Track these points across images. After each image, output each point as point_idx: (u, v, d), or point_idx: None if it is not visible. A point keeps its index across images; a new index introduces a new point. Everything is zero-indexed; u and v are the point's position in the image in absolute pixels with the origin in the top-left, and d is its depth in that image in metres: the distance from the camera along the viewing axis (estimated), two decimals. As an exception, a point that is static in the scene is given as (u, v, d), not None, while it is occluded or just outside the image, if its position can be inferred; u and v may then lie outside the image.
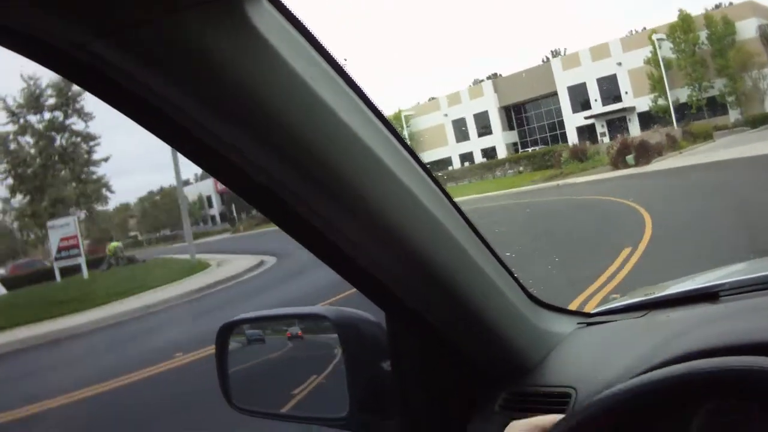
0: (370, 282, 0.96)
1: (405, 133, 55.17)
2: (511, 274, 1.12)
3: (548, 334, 1.18)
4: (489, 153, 50.67)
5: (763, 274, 1.23)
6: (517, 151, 49.77)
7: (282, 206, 0.83)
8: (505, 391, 1.11)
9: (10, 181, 39.98)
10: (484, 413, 1.10)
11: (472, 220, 1.01)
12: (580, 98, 47.46)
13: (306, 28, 0.74)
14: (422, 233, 0.90)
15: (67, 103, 39.08)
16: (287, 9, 0.72)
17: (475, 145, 52.57)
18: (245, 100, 0.69)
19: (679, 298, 1.27)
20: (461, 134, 53.53)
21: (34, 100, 39.74)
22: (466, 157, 52.32)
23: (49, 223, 30.84)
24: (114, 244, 38.19)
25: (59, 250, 27.79)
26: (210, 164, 0.79)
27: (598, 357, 1.12)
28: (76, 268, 27.16)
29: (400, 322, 1.09)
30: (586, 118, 46.85)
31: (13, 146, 39.94)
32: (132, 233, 77.26)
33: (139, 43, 0.62)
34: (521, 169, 40.91)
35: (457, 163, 51.64)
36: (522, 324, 1.12)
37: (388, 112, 56.47)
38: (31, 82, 38.69)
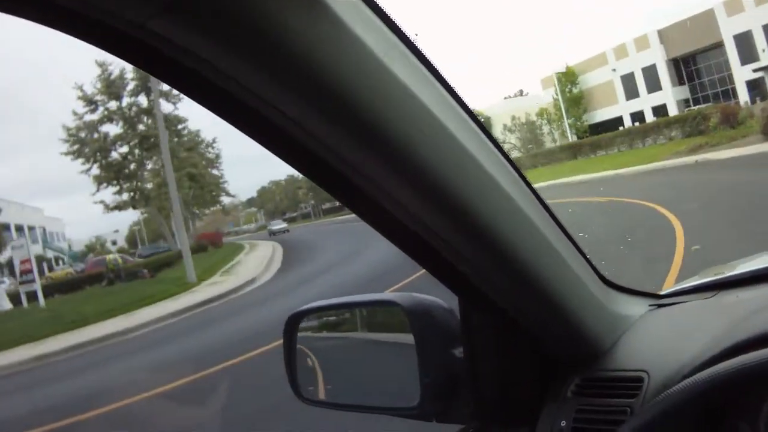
0: (446, 267, 0.95)
1: (575, 91, 51.64)
2: (584, 256, 1.10)
3: (621, 317, 1.18)
4: (660, 111, 45.79)
5: None
6: (689, 108, 44.39)
7: (360, 192, 0.82)
8: (578, 377, 1.11)
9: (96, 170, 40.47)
10: (556, 399, 1.10)
11: (546, 201, 1.00)
12: (746, 48, 41.22)
13: (376, 2, 0.72)
14: (499, 217, 0.88)
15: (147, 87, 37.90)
16: None
17: (646, 102, 47.97)
18: (315, 78, 0.65)
19: (749, 277, 1.24)
20: (630, 91, 48.87)
21: (112, 86, 39.46)
22: (637, 116, 48.01)
23: (12, 243, 29.26)
24: (111, 256, 35.94)
25: (21, 273, 25.60)
26: (290, 156, 0.78)
27: (669, 339, 1.12)
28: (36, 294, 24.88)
29: (473, 308, 1.08)
30: (754, 71, 40.82)
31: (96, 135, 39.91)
32: (302, 204, 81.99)
33: (201, 18, 0.59)
34: (673, 134, 35.72)
35: (628, 123, 47.27)
36: (596, 308, 1.11)
37: (552, 69, 53.19)
38: (109, 67, 38.89)
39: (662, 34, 46.96)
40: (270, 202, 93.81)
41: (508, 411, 1.11)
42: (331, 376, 1.31)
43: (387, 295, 1.19)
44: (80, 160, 39.83)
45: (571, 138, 50.35)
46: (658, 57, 46.67)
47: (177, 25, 0.59)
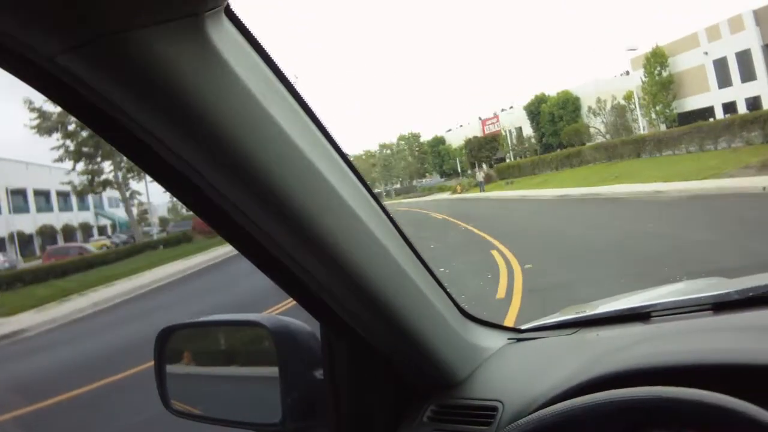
0: (306, 293, 1.00)
1: (664, 74, 45.44)
2: (444, 289, 1.15)
3: (478, 348, 1.23)
4: (754, 104, 37.95)
5: (695, 296, 1.29)
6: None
7: (228, 219, 0.86)
8: (434, 403, 1.16)
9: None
10: (412, 423, 1.15)
11: (406, 235, 1.05)
12: None
13: (262, 47, 0.79)
14: (358, 248, 0.93)
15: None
16: (244, 26, 0.76)
17: (738, 92, 40.45)
18: (200, 117, 0.71)
19: (610, 317, 1.32)
20: (723, 78, 41.72)
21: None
22: (729, 107, 40.40)
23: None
24: (99, 243, 35.97)
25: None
26: (167, 179, 0.82)
27: (526, 372, 1.16)
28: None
29: (333, 333, 1.12)
30: None
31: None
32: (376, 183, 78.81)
33: (101, 58, 0.64)
34: (753, 136, 27.19)
35: (719, 114, 40.24)
36: (452, 339, 1.16)
37: (639, 50, 47.21)
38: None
39: (758, 15, 38.68)
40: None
41: None
42: (201, 389, 1.35)
43: (254, 316, 1.21)
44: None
45: (660, 127, 44.39)
46: (753, 41, 38.81)
47: (79, 63, 0.64)
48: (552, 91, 61.32)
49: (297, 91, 0.84)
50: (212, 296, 14.33)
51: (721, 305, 1.24)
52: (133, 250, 34.56)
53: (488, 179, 46.83)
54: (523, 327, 1.41)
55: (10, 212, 42.82)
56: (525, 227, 17.42)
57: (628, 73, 52.26)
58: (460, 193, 47.34)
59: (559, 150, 48.18)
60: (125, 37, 0.62)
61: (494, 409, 1.07)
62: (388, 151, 77.76)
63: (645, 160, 32.33)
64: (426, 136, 78.86)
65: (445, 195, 50.24)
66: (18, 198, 45.58)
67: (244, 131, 0.75)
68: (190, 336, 1.40)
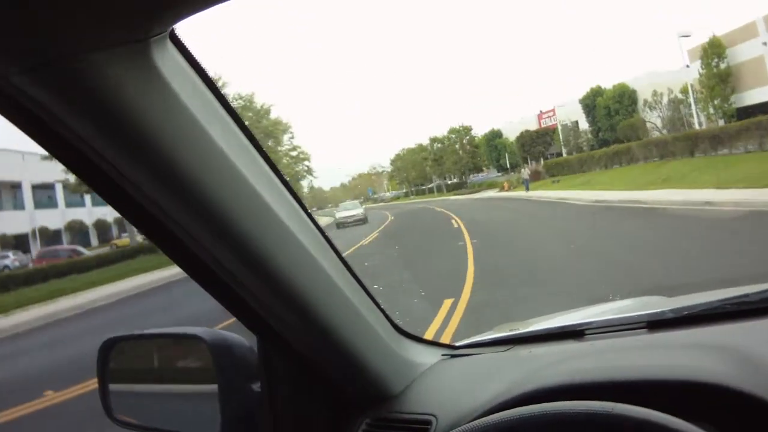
0: (243, 307, 1.03)
1: (721, 66, 43.45)
2: (378, 305, 1.20)
3: (412, 363, 1.27)
4: None
5: (627, 315, 1.33)
6: None
7: (170, 236, 0.90)
8: (369, 417, 1.19)
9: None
10: None
11: (341, 253, 1.10)
12: None
13: (204, 71, 0.83)
14: (292, 266, 0.97)
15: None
16: (188, 51, 0.80)
17: (799, 85, 38.38)
18: (144, 138, 0.75)
19: (544, 334, 1.37)
20: (784, 70, 39.68)
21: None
22: (794, 102, 38.34)
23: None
24: (123, 241, 33.26)
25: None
26: (112, 196, 0.86)
27: (459, 387, 1.19)
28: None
29: (269, 347, 1.15)
30: None
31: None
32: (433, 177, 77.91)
33: (50, 80, 0.68)
34: None
35: (779, 109, 38.20)
36: (386, 353, 1.20)
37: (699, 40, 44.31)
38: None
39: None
40: (401, 171, 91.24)
41: None
42: (143, 401, 1.38)
43: (193, 329, 1.22)
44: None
45: (718, 123, 42.50)
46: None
47: (31, 84, 0.68)
48: (608, 83, 59.33)
49: (236, 113, 0.88)
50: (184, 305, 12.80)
51: (656, 323, 1.27)
52: (136, 251, 31.69)
53: (536, 176, 45.78)
54: (458, 344, 1.44)
55: (33, 207, 41.98)
56: (533, 248, 13.47)
57: (688, 66, 50.25)
58: (507, 190, 46.56)
59: (615, 145, 46.50)
60: (73, 60, 0.65)
61: (428, 422, 1.10)
62: (439, 145, 76.88)
63: (698, 160, 30.79)
64: (481, 130, 77.61)
65: (491, 193, 49.43)
66: (42, 193, 44.38)
67: (186, 152, 0.79)
68: (132, 347, 1.43)
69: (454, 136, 75.38)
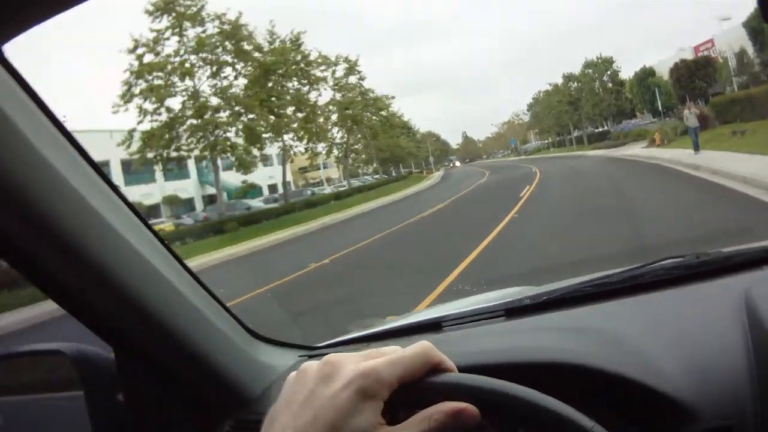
0: (95, 319, 1.05)
1: None
2: (227, 310, 1.23)
3: (269, 366, 1.30)
4: None
5: (487, 305, 1.38)
6: None
7: (14, 248, 0.92)
8: (231, 419, 1.21)
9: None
10: None
11: (183, 261, 1.13)
12: None
13: (32, 89, 0.86)
14: (138, 278, 1.01)
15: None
16: (16, 71, 0.83)
17: None
18: None
19: (404, 329, 1.41)
20: None
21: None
22: None
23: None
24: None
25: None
26: None
27: None
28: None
29: (127, 356, 1.15)
30: None
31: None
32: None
33: None
34: None
35: None
36: (239, 357, 1.23)
37: None
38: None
39: None
40: (539, 119, 77.53)
41: None
42: (12, 416, 1.37)
43: (52, 345, 1.24)
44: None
45: None
46: None
47: None
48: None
49: (66, 130, 0.91)
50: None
51: (514, 311, 1.32)
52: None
53: (704, 121, 29.33)
54: (317, 345, 1.47)
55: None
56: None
57: None
58: (658, 144, 32.37)
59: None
60: None
61: None
62: (575, 84, 62.44)
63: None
64: (629, 70, 62.39)
65: (636, 149, 34.59)
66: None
67: (19, 170, 0.82)
68: None
69: (590, 71, 60.46)
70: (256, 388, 1.23)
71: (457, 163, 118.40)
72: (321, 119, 39.59)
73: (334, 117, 45.26)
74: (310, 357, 1.38)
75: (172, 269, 1.08)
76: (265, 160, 44.22)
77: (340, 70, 44.01)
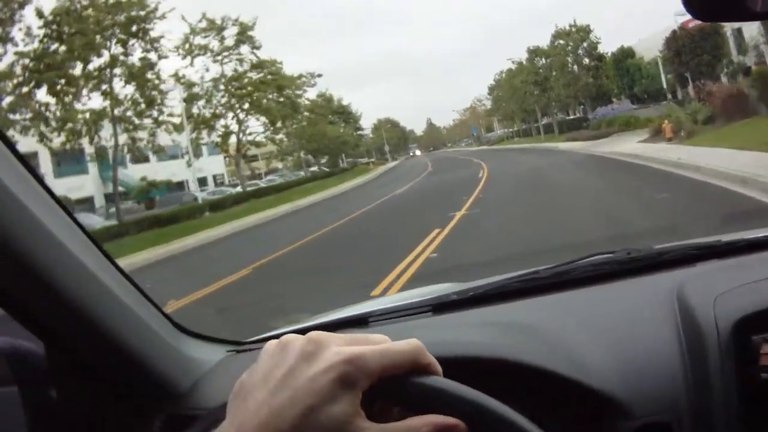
0: (25, 314, 1.04)
1: None
2: (156, 306, 1.23)
3: (197, 360, 1.29)
4: None
5: (414, 300, 1.39)
6: None
7: None
8: (163, 413, 1.20)
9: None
10: None
11: (109, 254, 1.13)
12: None
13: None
14: (67, 274, 1.01)
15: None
16: None
17: None
18: None
19: (328, 324, 1.42)
20: None
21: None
22: None
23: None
24: None
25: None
26: None
27: None
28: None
29: (57, 351, 1.15)
30: None
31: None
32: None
33: None
34: None
35: None
36: (167, 352, 1.21)
37: None
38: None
39: None
40: (500, 103, 66.84)
41: None
42: None
43: None
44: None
45: None
46: None
47: None
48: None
49: (9, 140, 0.95)
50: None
51: (440, 306, 1.32)
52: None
53: (741, 104, 20.25)
54: (245, 340, 1.45)
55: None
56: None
57: None
58: (669, 138, 21.15)
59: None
60: None
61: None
62: (543, 60, 51.13)
63: None
64: (605, 48, 51.51)
65: (634, 143, 23.34)
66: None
67: None
68: None
69: (562, 41, 48.85)
70: (185, 383, 1.22)
71: (418, 153, 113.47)
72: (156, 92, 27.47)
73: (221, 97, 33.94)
74: (238, 352, 1.38)
75: (99, 265, 1.08)
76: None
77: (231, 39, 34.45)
